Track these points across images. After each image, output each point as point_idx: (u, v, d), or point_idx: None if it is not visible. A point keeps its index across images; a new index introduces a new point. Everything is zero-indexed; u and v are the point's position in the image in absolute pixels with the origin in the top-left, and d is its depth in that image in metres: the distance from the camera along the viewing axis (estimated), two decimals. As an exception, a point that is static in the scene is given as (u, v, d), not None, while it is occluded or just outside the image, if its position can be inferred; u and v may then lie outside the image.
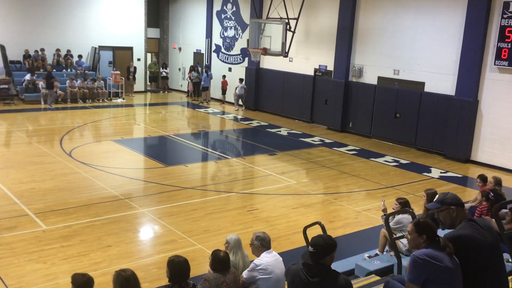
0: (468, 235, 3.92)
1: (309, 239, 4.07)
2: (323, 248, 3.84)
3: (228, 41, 23.68)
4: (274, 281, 5.13)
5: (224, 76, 23.31)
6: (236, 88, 22.36)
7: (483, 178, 9.26)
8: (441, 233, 4.17)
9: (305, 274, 3.84)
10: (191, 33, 25.89)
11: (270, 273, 5.10)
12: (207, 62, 24.74)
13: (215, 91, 24.15)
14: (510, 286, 4.35)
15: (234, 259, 5.58)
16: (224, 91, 23.59)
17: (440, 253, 3.70)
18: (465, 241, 3.90)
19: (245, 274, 5.21)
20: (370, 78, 17.54)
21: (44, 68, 21.85)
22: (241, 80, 22.19)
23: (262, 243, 5.26)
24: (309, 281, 3.81)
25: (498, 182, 8.55)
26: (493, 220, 6.40)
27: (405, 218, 6.92)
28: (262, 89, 21.77)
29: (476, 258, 3.90)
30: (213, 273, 4.97)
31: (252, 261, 5.31)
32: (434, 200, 4.31)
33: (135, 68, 24.58)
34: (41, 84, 20.72)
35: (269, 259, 5.17)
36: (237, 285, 5.06)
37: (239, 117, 20.85)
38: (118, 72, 23.48)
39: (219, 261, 4.99)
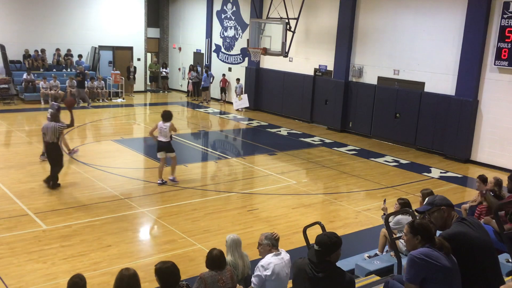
0: (464, 232, 4.04)
1: (309, 239, 4.12)
2: (328, 246, 3.98)
3: (228, 41, 23.68)
4: (277, 284, 5.09)
5: (223, 75, 23.39)
6: (236, 88, 22.43)
7: (482, 179, 9.20)
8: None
9: (311, 269, 3.96)
10: (191, 33, 25.89)
11: (275, 275, 5.05)
12: (207, 62, 24.75)
13: (215, 91, 24.17)
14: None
15: (233, 259, 5.56)
16: (223, 90, 23.62)
17: (437, 253, 3.74)
18: (462, 238, 4.00)
19: (254, 280, 5.14)
20: (370, 78, 17.54)
21: (44, 68, 21.93)
22: (237, 80, 22.25)
23: (272, 242, 5.25)
24: (315, 276, 3.94)
25: (498, 183, 8.50)
26: (493, 220, 6.41)
27: (405, 218, 6.92)
28: (262, 89, 21.77)
29: (472, 255, 3.97)
30: (209, 272, 4.98)
31: (258, 262, 5.26)
32: (424, 203, 4.41)
33: (135, 68, 24.59)
34: (41, 83, 20.74)
35: (276, 261, 5.13)
36: (234, 283, 5.05)
37: (239, 117, 20.85)
38: (118, 72, 23.47)
39: (214, 259, 5.03)
